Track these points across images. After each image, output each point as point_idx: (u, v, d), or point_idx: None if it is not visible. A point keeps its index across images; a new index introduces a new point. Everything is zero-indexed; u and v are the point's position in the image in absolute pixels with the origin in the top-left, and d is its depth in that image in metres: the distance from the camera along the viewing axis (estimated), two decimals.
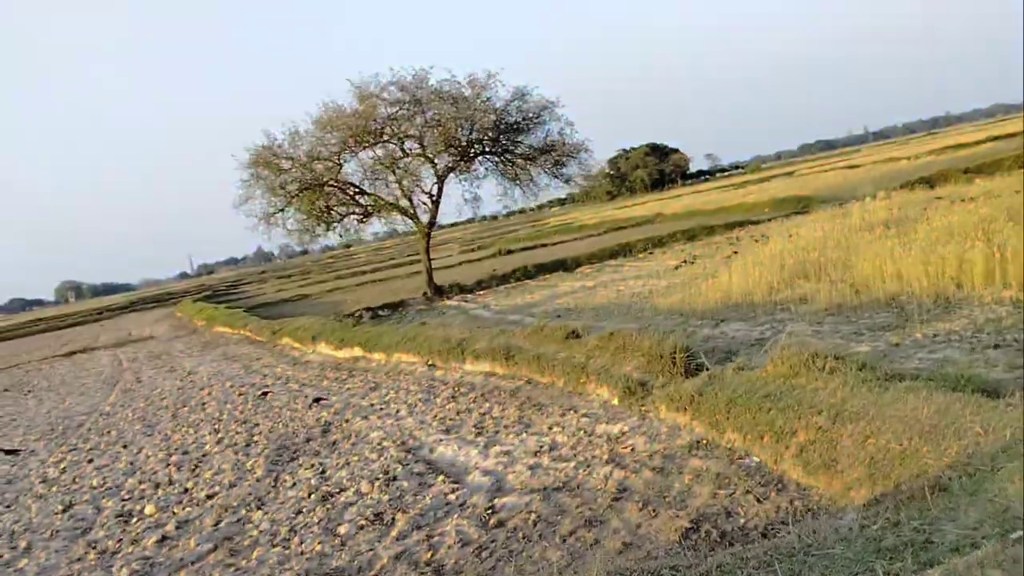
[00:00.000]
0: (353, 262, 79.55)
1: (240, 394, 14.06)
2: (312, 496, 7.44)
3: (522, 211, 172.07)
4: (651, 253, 27.30)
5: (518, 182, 26.26)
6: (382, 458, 8.31)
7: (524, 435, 8.17)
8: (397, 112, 24.43)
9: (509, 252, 42.33)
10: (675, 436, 7.18)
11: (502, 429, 8.58)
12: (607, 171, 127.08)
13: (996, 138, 54.11)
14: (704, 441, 6.89)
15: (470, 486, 7.00)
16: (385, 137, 24.74)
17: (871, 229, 17.63)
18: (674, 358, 8.58)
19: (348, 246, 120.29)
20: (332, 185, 24.20)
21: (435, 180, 25.44)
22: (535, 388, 10.09)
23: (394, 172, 24.17)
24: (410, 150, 25.14)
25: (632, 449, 7.09)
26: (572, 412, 8.63)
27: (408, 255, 69.65)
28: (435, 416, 9.71)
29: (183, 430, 11.70)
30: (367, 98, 23.86)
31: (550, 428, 8.25)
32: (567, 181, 26.68)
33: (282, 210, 23.68)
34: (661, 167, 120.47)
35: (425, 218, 25.81)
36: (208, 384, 16.04)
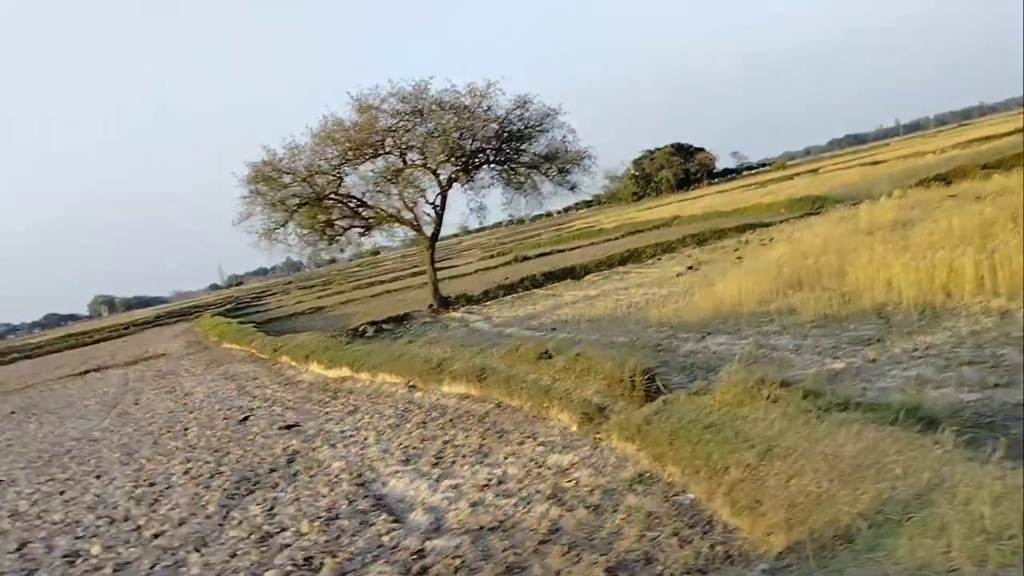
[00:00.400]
0: (378, 270, 79.79)
1: (225, 418, 13.97)
2: (252, 536, 7.26)
3: (548, 215, 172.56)
4: (659, 259, 26.92)
5: (522, 190, 26.03)
6: (333, 492, 8.12)
7: (478, 466, 7.93)
8: (398, 123, 24.34)
9: (525, 259, 42.09)
10: (621, 468, 6.89)
11: (459, 459, 8.34)
12: (632, 172, 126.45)
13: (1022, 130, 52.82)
14: (647, 474, 6.60)
15: (409, 525, 6.77)
16: (387, 149, 24.66)
17: (874, 232, 17.15)
18: (633, 381, 8.31)
19: (376, 253, 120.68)
20: (332, 198, 24.15)
21: (438, 191, 25.31)
22: (503, 412, 9.85)
23: (395, 184, 24.04)
24: (412, 161, 25.03)
25: (576, 483, 6.82)
26: (531, 440, 8.38)
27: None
28: (400, 444, 9.50)
29: (158, 459, 11.61)
30: (367, 110, 23.80)
31: (505, 458, 8.00)
32: (572, 188, 26.39)
33: (283, 225, 23.68)
34: (686, 167, 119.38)
35: (429, 229, 25.66)
36: (199, 407, 15.99)
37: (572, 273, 27.26)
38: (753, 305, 13.68)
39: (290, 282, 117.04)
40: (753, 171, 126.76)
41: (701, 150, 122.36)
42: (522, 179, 25.99)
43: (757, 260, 17.92)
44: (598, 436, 7.77)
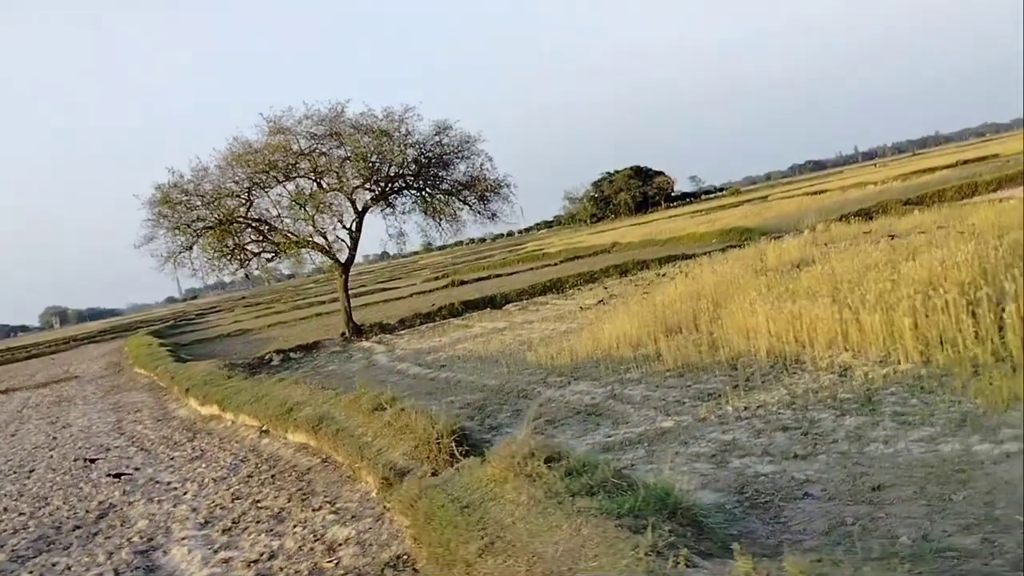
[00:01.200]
0: (328, 288, 78.87)
1: (76, 459, 13.33)
2: None
3: (510, 234, 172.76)
4: (580, 289, 26.65)
5: (441, 217, 25.69)
6: (110, 561, 7.60)
7: (264, 535, 7.46)
8: (313, 146, 23.92)
9: (462, 283, 41.67)
10: (386, 548, 6.48)
11: (253, 525, 7.86)
12: (592, 194, 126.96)
13: (966, 162, 53.70)
14: (405, 557, 6.19)
15: None
16: (301, 172, 24.21)
17: (767, 273, 16.97)
18: (439, 444, 7.91)
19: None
20: (242, 221, 23.58)
21: (354, 216, 24.86)
22: (326, 469, 9.40)
23: (306, 209, 23.55)
24: (329, 185, 24.59)
25: (337, 563, 6.39)
26: (328, 506, 7.92)
27: (380, 281, 69.08)
28: (212, 502, 8.99)
29: None
30: (279, 132, 23.35)
31: (294, 527, 7.54)
32: (492, 217, 26.09)
33: (188, 249, 23.04)
34: (644, 190, 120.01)
35: (344, 255, 25.18)
36: (64, 443, 15.29)
37: (492, 302, 26.88)
38: (628, 348, 13.39)
39: (244, 297, 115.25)
40: (711, 196, 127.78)
41: (660, 173, 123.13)
42: (441, 206, 25.65)
43: (654, 298, 17.66)
44: (387, 506, 7.36)
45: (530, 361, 14.33)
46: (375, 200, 24.87)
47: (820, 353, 10.50)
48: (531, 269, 41.84)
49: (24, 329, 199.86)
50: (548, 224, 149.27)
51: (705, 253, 28.17)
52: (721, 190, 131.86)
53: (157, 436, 14.15)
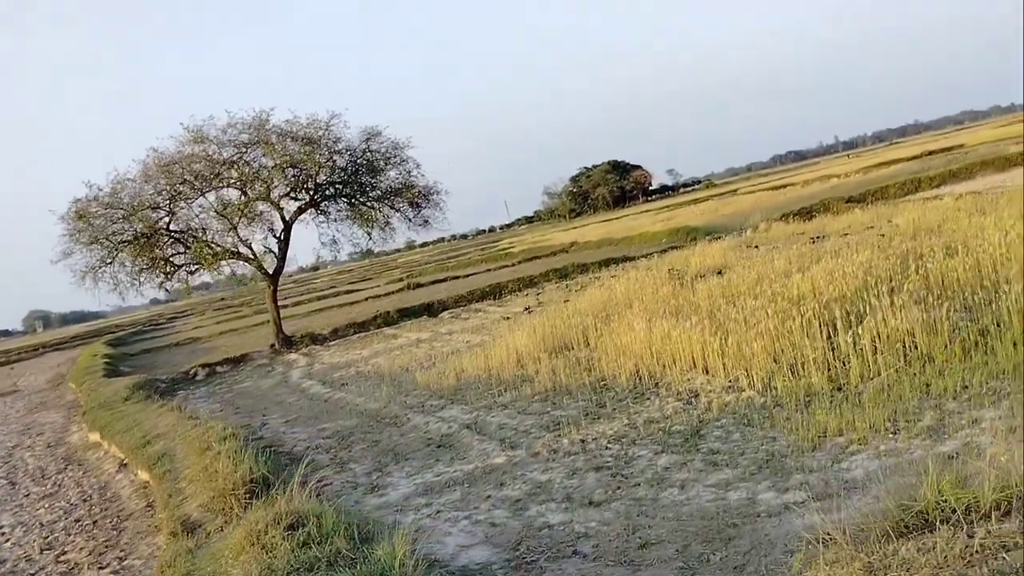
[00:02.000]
0: (302, 289, 78.31)
1: None
2: None
3: (492, 230, 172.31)
4: (517, 295, 26.25)
5: (372, 225, 25.24)
6: None
7: None
8: (238, 155, 23.42)
9: (418, 286, 41.20)
10: None
11: None
12: (570, 189, 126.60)
13: (930, 153, 53.47)
14: None
15: None
16: (226, 182, 23.70)
17: (673, 283, 16.59)
18: (235, 494, 7.51)
19: (316, 268, 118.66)
20: (164, 233, 23.06)
21: (282, 226, 24.39)
22: (146, 514, 8.99)
23: (230, 219, 23.06)
24: (257, 193, 24.07)
25: None
26: (117, 562, 7.53)
27: (351, 282, 68.47)
28: (21, 553, 8.58)
29: None
30: (200, 142, 22.83)
31: None
32: (425, 223, 25.68)
33: (109, 264, 22.49)
34: (622, 184, 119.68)
35: (273, 266, 24.70)
36: None
37: (430, 310, 26.47)
38: (513, 367, 13.01)
39: (223, 299, 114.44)
40: (689, 188, 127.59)
41: (637, 167, 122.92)
42: (373, 213, 25.20)
43: (565, 309, 17.26)
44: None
45: (420, 381, 13.90)
46: (303, 209, 24.39)
47: (678, 377, 10.14)
48: (488, 270, 41.35)
49: (6, 334, 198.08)
50: (529, 220, 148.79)
51: (645, 255, 27.83)
52: (697, 183, 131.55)
53: (35, 466, 13.71)
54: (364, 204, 25.10)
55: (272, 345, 24.31)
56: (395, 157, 25.03)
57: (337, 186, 24.74)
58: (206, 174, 23.02)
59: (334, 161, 24.31)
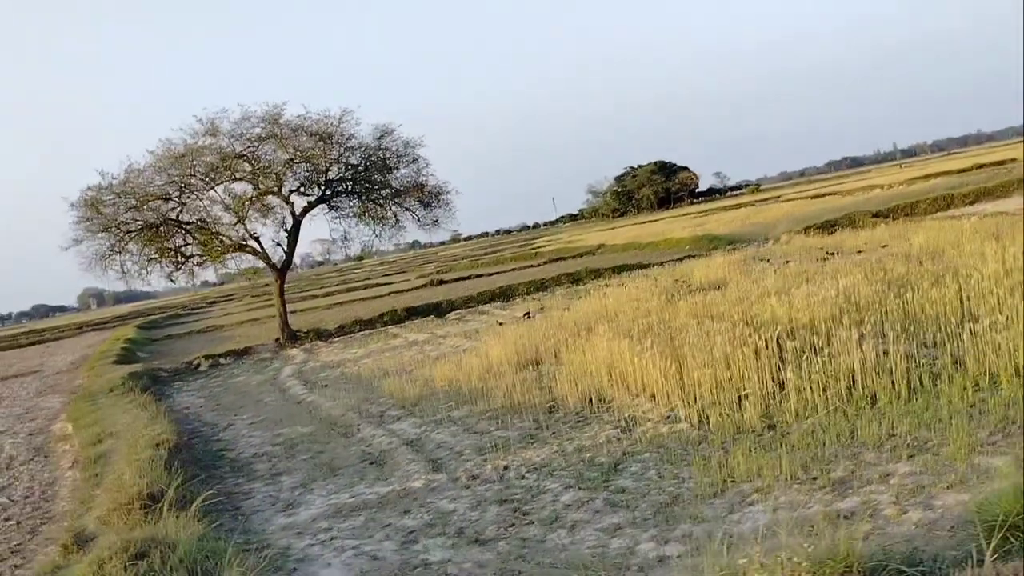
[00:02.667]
0: (344, 278, 79.11)
1: None
2: None
3: (536, 226, 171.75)
4: (525, 298, 25.88)
5: (381, 222, 25.16)
6: None
7: None
8: (248, 149, 23.50)
9: (442, 282, 41.12)
10: None
11: None
12: (615, 188, 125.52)
13: (981, 167, 51.69)
14: None
15: None
16: (237, 175, 23.81)
17: (663, 296, 16.14)
18: (128, 508, 7.36)
19: (361, 258, 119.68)
20: (173, 223, 23.24)
21: (292, 220, 24.43)
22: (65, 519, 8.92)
23: (238, 212, 23.17)
24: (268, 188, 24.15)
25: None
26: (11, 570, 7.45)
27: (385, 275, 68.83)
28: None
29: None
30: (213, 134, 22.96)
31: None
32: (435, 222, 25.52)
33: (119, 252, 22.76)
34: (667, 185, 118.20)
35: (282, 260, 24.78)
36: None
37: (438, 310, 26.30)
38: (478, 380, 12.71)
39: (267, 284, 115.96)
40: (737, 192, 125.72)
41: (684, 169, 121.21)
42: (383, 211, 25.12)
43: (558, 318, 16.89)
44: None
45: (385, 389, 13.68)
46: (313, 204, 24.40)
47: (627, 402, 9.75)
48: (512, 270, 41.10)
49: (63, 309, 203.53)
50: (572, 217, 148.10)
51: (660, 264, 27.26)
52: (743, 187, 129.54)
53: (7, 455, 13.81)
54: (374, 202, 25.03)
55: (277, 339, 24.38)
56: (407, 155, 24.89)
57: (348, 183, 24.70)
58: (218, 166, 23.13)
59: (346, 157, 24.28)
